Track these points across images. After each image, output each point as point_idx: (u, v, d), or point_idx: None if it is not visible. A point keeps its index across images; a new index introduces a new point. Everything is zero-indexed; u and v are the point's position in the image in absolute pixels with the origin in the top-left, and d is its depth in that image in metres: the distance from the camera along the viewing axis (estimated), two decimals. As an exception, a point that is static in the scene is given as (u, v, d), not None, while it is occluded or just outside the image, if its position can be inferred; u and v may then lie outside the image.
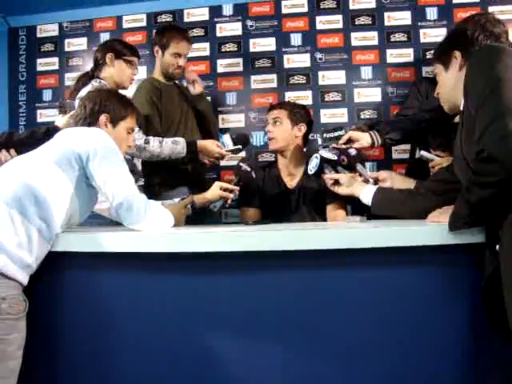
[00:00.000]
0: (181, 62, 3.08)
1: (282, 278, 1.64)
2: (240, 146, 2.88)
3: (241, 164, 2.50)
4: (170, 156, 2.80)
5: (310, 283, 1.63)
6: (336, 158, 2.31)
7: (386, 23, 3.63)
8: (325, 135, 2.51)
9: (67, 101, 2.62)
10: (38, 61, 4.16)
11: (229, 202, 2.42)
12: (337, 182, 2.30)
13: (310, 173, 2.37)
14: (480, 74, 1.48)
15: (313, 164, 2.34)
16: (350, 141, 2.46)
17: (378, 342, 1.60)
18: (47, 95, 4.14)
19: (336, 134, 2.48)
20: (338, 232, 1.64)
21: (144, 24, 3.98)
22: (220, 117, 3.70)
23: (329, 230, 1.70)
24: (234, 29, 3.82)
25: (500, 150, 1.30)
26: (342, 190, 2.27)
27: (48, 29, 4.14)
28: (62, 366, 1.79)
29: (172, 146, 2.77)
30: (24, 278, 1.65)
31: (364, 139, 2.50)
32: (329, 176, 2.31)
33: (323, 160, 2.30)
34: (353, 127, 2.62)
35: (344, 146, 2.40)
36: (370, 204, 2.12)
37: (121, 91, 2.45)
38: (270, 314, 1.65)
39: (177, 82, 3.29)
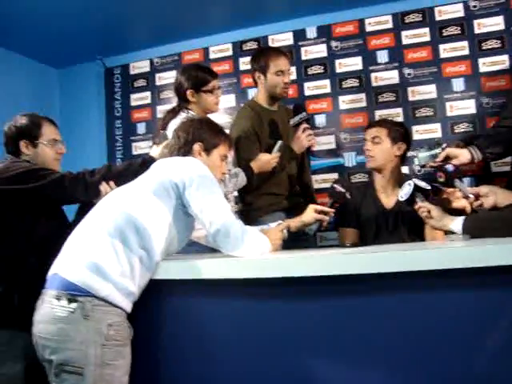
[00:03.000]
0: (286, 78, 3.01)
1: (385, 302, 1.59)
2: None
3: (334, 185, 2.45)
4: (234, 189, 2.80)
5: (414, 306, 1.56)
6: (429, 187, 2.23)
7: (477, 31, 3.50)
8: (421, 154, 2.42)
9: (160, 132, 2.69)
10: (132, 96, 4.39)
11: (324, 224, 2.38)
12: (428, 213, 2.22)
13: (400, 199, 2.29)
14: None
15: (405, 191, 2.26)
16: (447, 158, 2.36)
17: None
18: (141, 128, 4.34)
19: (433, 152, 2.38)
20: (443, 252, 1.56)
21: (230, 53, 4.09)
22: (311, 139, 3.68)
23: (432, 250, 1.61)
24: (319, 51, 3.84)
25: None
26: (432, 223, 2.20)
27: (140, 65, 4.38)
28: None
29: (233, 180, 2.76)
30: (128, 306, 1.71)
31: (462, 155, 2.38)
32: (422, 205, 2.22)
33: (416, 188, 2.22)
34: (444, 145, 2.48)
35: (441, 163, 2.31)
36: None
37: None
38: (371, 339, 1.59)
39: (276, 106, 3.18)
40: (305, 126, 2.90)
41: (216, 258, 1.84)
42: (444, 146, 2.41)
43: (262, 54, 3.06)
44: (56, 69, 4.64)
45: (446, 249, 1.60)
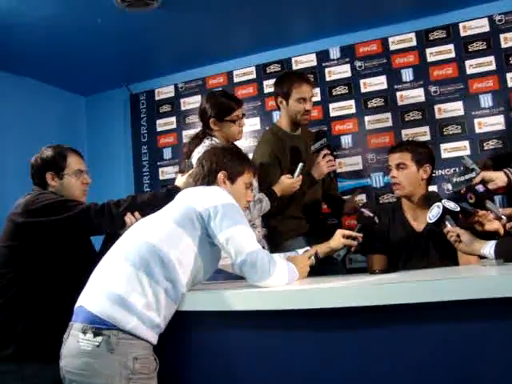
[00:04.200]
0: (307, 106, 2.97)
1: (416, 334, 1.54)
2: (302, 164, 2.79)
3: (362, 209, 2.39)
4: (259, 215, 2.77)
5: (446, 337, 1.50)
6: (458, 209, 2.18)
7: (503, 45, 3.44)
8: (455, 180, 2.34)
9: (185, 161, 2.70)
10: (158, 122, 4.44)
11: (352, 249, 2.34)
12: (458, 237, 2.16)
13: (429, 221, 2.23)
14: None
15: (433, 213, 2.20)
16: (482, 182, 2.27)
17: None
18: (167, 153, 4.38)
19: (467, 176, 2.29)
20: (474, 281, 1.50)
21: (254, 76, 4.10)
22: (337, 161, 3.60)
23: (463, 280, 1.56)
24: (342, 71, 3.83)
25: None
26: (462, 248, 2.13)
27: (165, 91, 4.43)
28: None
29: (258, 207, 2.71)
30: (153, 338, 1.69)
31: (499, 179, 2.29)
32: (450, 230, 2.17)
33: (445, 211, 2.17)
34: (478, 170, 2.37)
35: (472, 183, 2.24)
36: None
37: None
38: (400, 372, 1.54)
39: (299, 131, 3.14)
40: (325, 152, 2.87)
41: (243, 288, 1.82)
42: (478, 170, 2.32)
43: (285, 80, 3.04)
44: (83, 96, 4.72)
45: (478, 278, 1.55)
